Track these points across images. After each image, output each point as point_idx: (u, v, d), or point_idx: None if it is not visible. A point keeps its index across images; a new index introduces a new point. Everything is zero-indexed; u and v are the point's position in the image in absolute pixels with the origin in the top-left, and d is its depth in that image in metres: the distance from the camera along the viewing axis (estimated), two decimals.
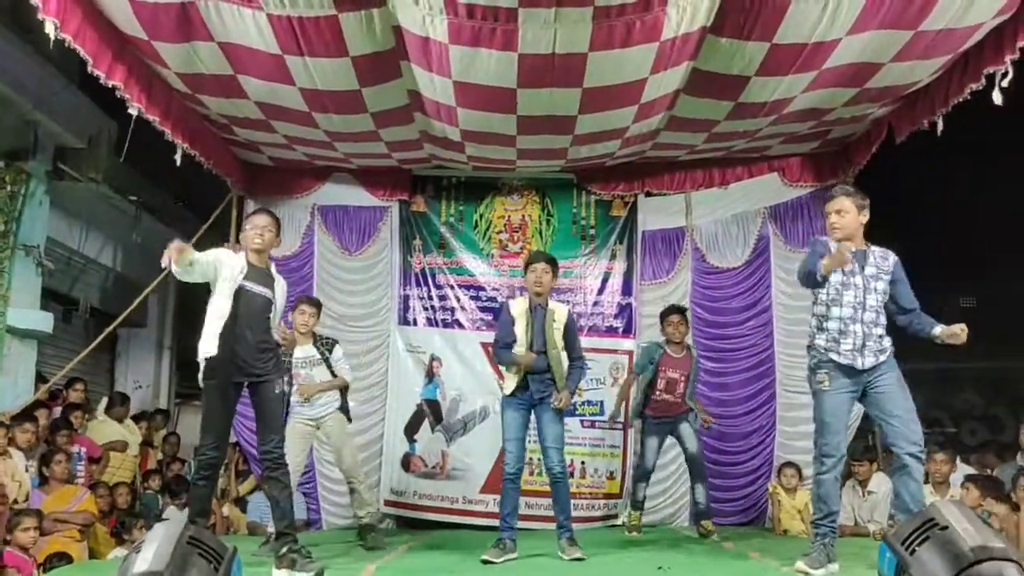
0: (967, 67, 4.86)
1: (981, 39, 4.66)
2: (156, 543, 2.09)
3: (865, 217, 4.02)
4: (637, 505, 6.06)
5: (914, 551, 1.59)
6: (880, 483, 5.90)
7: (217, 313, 4.02)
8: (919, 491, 3.78)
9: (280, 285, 4.31)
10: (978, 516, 1.74)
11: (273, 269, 4.32)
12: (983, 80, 4.67)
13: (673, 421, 5.87)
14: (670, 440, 5.91)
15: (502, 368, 4.99)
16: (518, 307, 4.85)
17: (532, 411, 4.75)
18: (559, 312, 4.85)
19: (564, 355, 4.79)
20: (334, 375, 5.44)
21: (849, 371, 3.95)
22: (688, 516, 6.72)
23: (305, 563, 3.80)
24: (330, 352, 5.46)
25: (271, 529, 4.52)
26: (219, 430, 4.10)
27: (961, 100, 4.95)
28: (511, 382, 4.74)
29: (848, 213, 3.98)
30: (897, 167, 6.15)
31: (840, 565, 3.85)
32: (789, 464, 6.37)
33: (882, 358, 3.95)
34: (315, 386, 5.36)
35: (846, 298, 3.98)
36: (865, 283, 3.99)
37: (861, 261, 4.01)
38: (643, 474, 6.01)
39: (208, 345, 3.99)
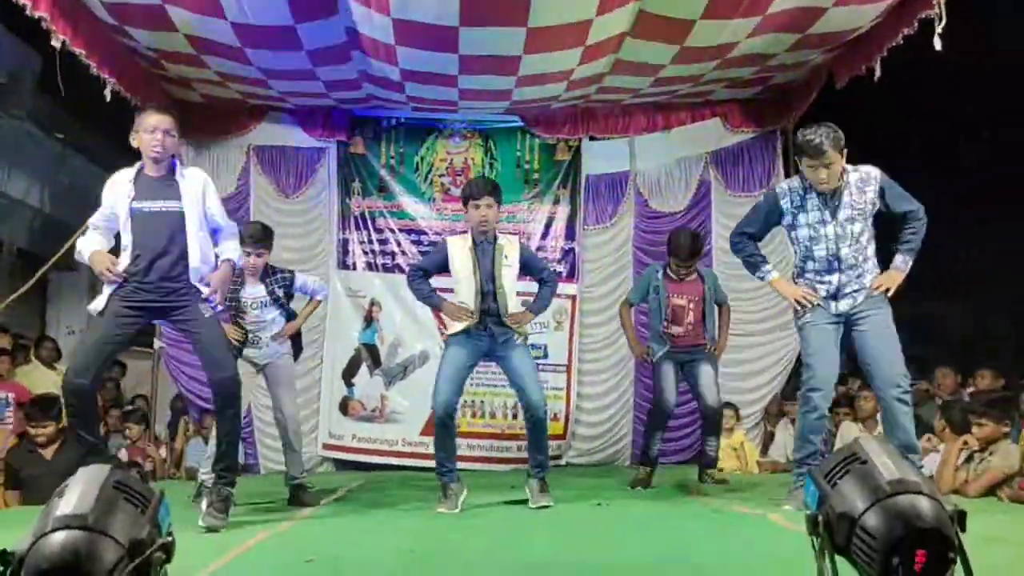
0: (902, 13, 4.91)
1: None
2: (80, 487, 2.04)
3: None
4: (649, 460, 5.15)
5: (835, 484, 1.64)
6: None
7: None
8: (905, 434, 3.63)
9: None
10: (897, 451, 1.79)
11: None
12: (916, 25, 4.73)
13: (688, 355, 5.12)
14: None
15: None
16: (458, 244, 4.30)
17: (496, 358, 4.34)
18: (509, 247, 4.31)
19: (512, 295, 4.30)
20: (290, 315, 4.80)
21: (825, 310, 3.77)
22: (630, 456, 6.89)
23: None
24: (287, 288, 4.74)
25: (203, 475, 4.39)
26: None
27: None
28: (456, 327, 4.24)
29: (835, 164, 3.61)
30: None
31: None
32: (726, 404, 6.49)
33: (860, 298, 3.73)
34: (298, 323, 4.82)
35: (817, 253, 3.77)
36: (838, 231, 3.71)
37: (834, 205, 3.71)
38: (662, 417, 5.12)
39: None
